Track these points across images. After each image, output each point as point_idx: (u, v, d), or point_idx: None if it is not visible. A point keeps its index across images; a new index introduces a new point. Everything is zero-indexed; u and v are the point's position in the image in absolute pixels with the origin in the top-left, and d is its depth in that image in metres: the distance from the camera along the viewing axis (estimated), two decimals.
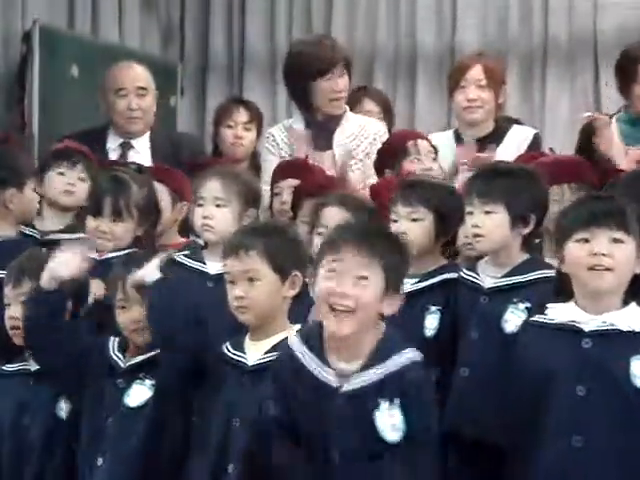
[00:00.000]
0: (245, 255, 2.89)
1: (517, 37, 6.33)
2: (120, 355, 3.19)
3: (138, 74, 4.52)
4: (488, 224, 3.05)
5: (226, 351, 2.96)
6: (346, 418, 2.60)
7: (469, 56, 4.39)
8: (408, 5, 6.53)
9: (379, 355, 2.64)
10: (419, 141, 3.94)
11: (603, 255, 2.70)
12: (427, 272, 3.19)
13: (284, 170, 3.99)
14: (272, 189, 3.94)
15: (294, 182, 3.84)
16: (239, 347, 2.94)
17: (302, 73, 4.29)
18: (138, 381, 3.14)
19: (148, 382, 3.14)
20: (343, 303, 2.61)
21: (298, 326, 2.91)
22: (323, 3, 6.69)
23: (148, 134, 4.50)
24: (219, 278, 3.19)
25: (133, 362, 3.17)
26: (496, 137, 4.17)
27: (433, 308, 3.13)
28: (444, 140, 4.28)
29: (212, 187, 3.44)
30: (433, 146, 3.97)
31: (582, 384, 2.69)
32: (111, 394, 3.14)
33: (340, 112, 4.34)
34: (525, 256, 3.10)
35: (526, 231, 3.08)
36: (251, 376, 2.86)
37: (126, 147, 4.47)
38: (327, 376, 2.65)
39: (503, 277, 3.07)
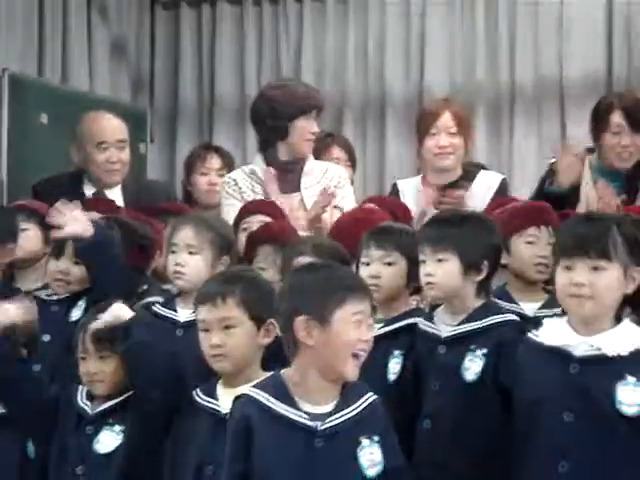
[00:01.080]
0: (222, 303, 2.89)
1: (484, 82, 6.40)
2: (88, 402, 3.18)
3: (118, 127, 4.54)
4: (439, 272, 3.05)
5: (198, 398, 2.94)
6: (325, 459, 2.61)
7: (437, 103, 4.40)
8: (376, 51, 6.59)
9: (349, 396, 2.68)
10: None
11: (582, 284, 2.73)
12: (394, 316, 3.20)
13: (255, 207, 4.00)
14: (238, 226, 3.92)
15: (264, 218, 3.85)
16: (211, 394, 2.93)
17: (287, 109, 4.31)
18: (107, 427, 3.13)
19: (118, 428, 3.13)
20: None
21: (270, 374, 2.87)
22: (292, 49, 6.75)
23: (119, 185, 4.51)
24: (189, 326, 3.20)
25: (101, 409, 3.16)
26: (464, 183, 4.20)
27: (396, 352, 3.13)
28: (411, 186, 4.30)
29: (185, 234, 3.44)
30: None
31: (569, 410, 2.71)
32: (80, 442, 3.13)
33: (309, 152, 4.36)
34: (480, 302, 3.09)
35: (479, 278, 3.08)
36: (225, 423, 2.82)
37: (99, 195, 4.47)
38: (302, 419, 2.64)
39: (459, 325, 3.07)
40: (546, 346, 2.78)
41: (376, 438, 2.64)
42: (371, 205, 3.90)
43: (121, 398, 3.15)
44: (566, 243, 2.79)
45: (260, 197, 4.27)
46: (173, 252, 3.44)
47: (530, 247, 3.41)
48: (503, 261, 3.35)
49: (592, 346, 2.73)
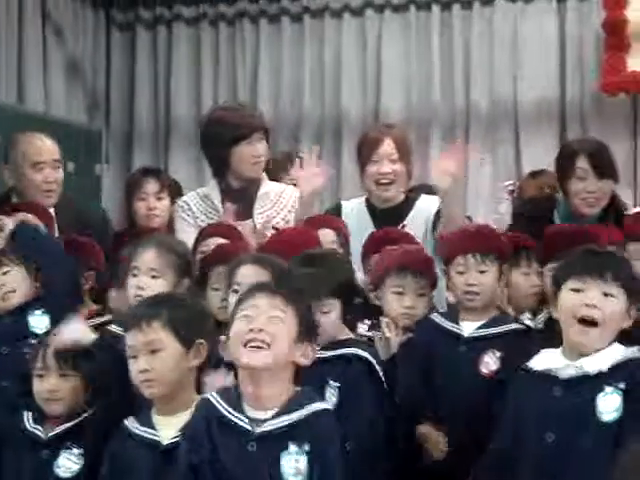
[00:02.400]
0: (147, 326, 2.83)
1: (440, 105, 6.45)
2: (38, 427, 3.13)
3: (52, 147, 4.47)
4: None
5: (132, 428, 2.86)
6: (257, 461, 2.62)
7: (378, 129, 4.36)
8: (333, 73, 6.63)
9: (292, 405, 2.67)
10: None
11: (594, 306, 2.75)
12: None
13: (213, 230, 3.99)
14: (195, 250, 3.91)
15: (221, 240, 3.84)
16: (147, 424, 2.85)
17: (223, 137, 4.31)
18: (65, 451, 3.08)
19: (76, 451, 3.08)
20: (258, 337, 2.63)
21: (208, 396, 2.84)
22: (249, 70, 6.76)
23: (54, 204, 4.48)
24: None
25: (57, 432, 3.11)
26: (405, 207, 4.21)
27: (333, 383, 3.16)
28: (355, 207, 4.31)
29: (147, 258, 3.42)
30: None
31: (551, 431, 2.74)
32: (36, 467, 3.07)
33: (258, 176, 4.35)
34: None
35: None
36: (165, 455, 2.78)
37: None
38: (242, 422, 2.65)
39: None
40: (535, 371, 2.83)
41: (306, 447, 2.62)
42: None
43: (78, 420, 3.11)
44: (576, 267, 2.81)
45: (214, 221, 4.26)
46: (135, 275, 3.43)
47: (460, 276, 3.39)
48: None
49: (577, 367, 2.77)
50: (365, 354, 3.17)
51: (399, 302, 3.46)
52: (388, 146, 4.15)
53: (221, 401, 2.68)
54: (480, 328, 3.35)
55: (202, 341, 2.85)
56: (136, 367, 2.83)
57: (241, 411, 2.66)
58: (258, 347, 2.62)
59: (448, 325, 3.38)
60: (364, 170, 4.20)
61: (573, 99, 6.20)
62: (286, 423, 2.64)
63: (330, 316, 3.15)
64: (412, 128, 6.38)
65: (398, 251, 3.60)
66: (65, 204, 4.49)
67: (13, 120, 5.69)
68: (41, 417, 3.15)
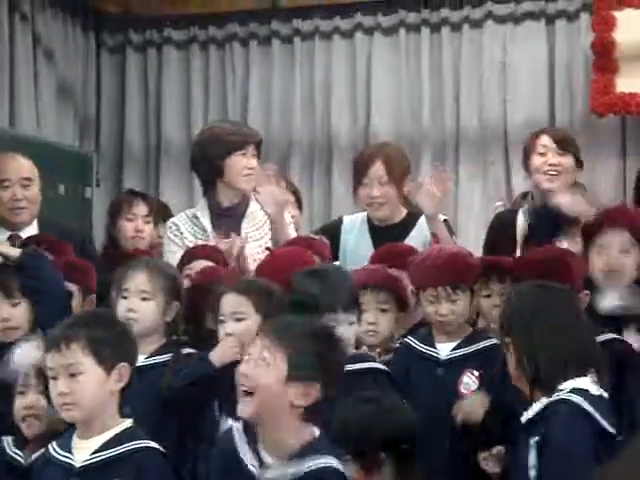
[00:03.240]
0: (66, 348, 2.75)
1: (430, 127, 6.46)
2: (18, 451, 3.10)
3: (22, 165, 4.46)
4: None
5: (52, 452, 2.81)
6: None
7: (370, 151, 4.35)
8: (323, 95, 6.64)
9: (299, 454, 2.61)
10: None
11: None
12: None
13: (197, 252, 3.98)
14: (181, 272, 3.90)
15: (206, 263, 3.84)
16: (66, 447, 2.79)
17: (219, 147, 4.32)
18: None
19: None
20: (245, 384, 2.62)
21: (129, 421, 2.81)
22: (239, 93, 6.78)
23: (35, 224, 4.43)
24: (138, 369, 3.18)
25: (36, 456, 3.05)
26: (406, 225, 4.21)
27: None
28: (357, 223, 4.32)
29: (138, 280, 3.42)
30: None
31: None
32: None
33: (250, 189, 4.35)
34: None
35: None
36: (79, 478, 2.72)
37: (15, 239, 4.31)
38: (252, 466, 2.62)
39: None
40: None
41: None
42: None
43: None
44: None
45: (202, 242, 4.25)
46: (124, 297, 3.42)
47: (431, 305, 3.40)
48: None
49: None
50: (383, 367, 3.24)
51: (363, 320, 3.42)
52: (379, 168, 4.15)
53: (242, 439, 2.66)
54: (455, 349, 3.37)
55: (124, 364, 2.79)
56: (55, 390, 2.77)
57: (256, 452, 2.63)
58: (247, 392, 2.60)
59: (424, 348, 3.39)
60: (356, 192, 4.22)
61: (563, 120, 6.22)
62: (289, 475, 2.59)
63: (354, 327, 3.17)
64: None
65: (362, 271, 3.62)
66: (50, 224, 4.48)
67: (4, 143, 5.69)
68: (21, 441, 3.11)
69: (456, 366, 3.33)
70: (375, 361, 3.32)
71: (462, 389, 3.27)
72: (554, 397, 2.69)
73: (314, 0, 6.62)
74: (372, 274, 3.58)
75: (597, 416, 2.65)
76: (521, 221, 4.16)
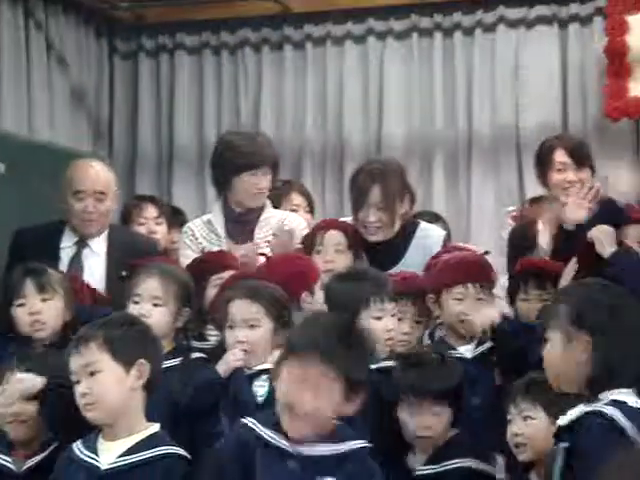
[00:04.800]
0: (84, 348, 2.77)
1: (442, 132, 6.45)
2: (8, 458, 3.09)
3: (98, 177, 4.37)
4: None
5: (77, 452, 2.80)
6: None
7: (369, 174, 4.18)
8: (335, 100, 6.64)
9: (335, 436, 2.59)
10: (326, 233, 3.98)
11: None
12: None
13: (221, 261, 3.94)
14: (205, 280, 3.89)
15: (232, 272, 3.81)
16: (91, 448, 2.78)
17: (230, 163, 4.33)
18: None
19: None
20: (299, 409, 2.55)
21: (157, 425, 2.81)
22: (251, 98, 6.78)
23: (105, 235, 4.40)
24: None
25: (30, 464, 3.06)
26: (401, 243, 4.19)
27: None
28: None
29: (150, 285, 3.42)
30: (349, 237, 3.99)
31: None
32: None
33: (258, 206, 4.35)
34: None
35: None
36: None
37: (81, 245, 4.36)
38: (282, 442, 2.58)
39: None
40: None
41: None
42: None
43: (48, 452, 3.06)
44: None
45: (216, 247, 4.25)
46: (136, 302, 3.42)
47: (457, 304, 3.43)
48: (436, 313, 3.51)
49: None
50: None
51: (398, 329, 3.45)
52: (375, 195, 4.11)
53: (260, 426, 2.61)
54: (478, 346, 3.45)
55: (143, 361, 2.79)
56: (78, 391, 2.78)
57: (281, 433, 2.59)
58: (299, 415, 2.55)
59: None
60: (355, 215, 4.17)
61: (576, 124, 6.21)
62: (331, 452, 2.57)
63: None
64: (415, 155, 6.41)
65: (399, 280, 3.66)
66: (119, 231, 4.48)
67: (19, 149, 5.71)
68: (7, 446, 3.10)
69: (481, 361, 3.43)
70: None
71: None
72: (591, 407, 2.62)
73: (326, 5, 6.62)
74: (409, 283, 3.59)
75: (631, 431, 2.57)
76: (543, 230, 4.17)
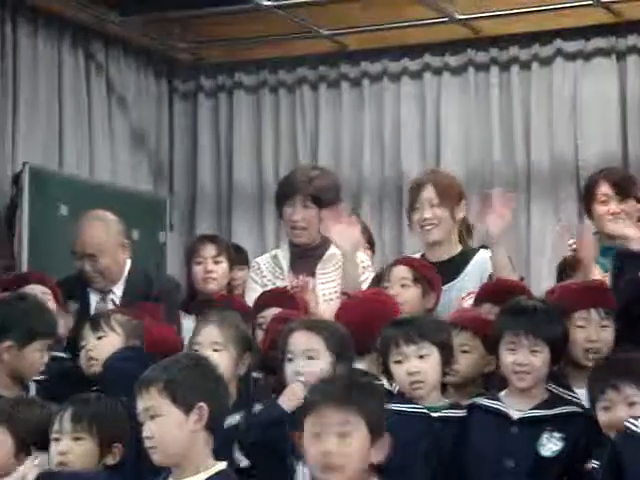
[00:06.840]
0: (146, 392, 2.81)
1: (500, 164, 6.44)
2: None
3: (90, 239, 4.50)
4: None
5: None
6: None
7: (421, 176, 4.36)
8: (393, 136, 6.66)
9: None
10: (394, 268, 3.99)
11: None
12: None
13: (266, 299, 3.99)
14: (255, 320, 3.91)
15: (277, 310, 3.83)
16: None
17: (276, 195, 4.42)
18: None
19: None
20: (330, 461, 2.59)
21: (224, 463, 2.83)
22: (309, 137, 6.82)
23: (123, 282, 4.55)
24: None
25: None
26: (462, 260, 4.19)
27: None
28: None
29: (209, 332, 3.45)
30: (415, 272, 3.99)
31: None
32: None
33: (299, 242, 4.36)
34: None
35: None
36: None
37: (106, 293, 4.55)
38: None
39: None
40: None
41: None
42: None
43: None
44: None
45: (279, 281, 4.28)
46: (196, 350, 3.43)
47: (580, 331, 3.33)
48: None
49: None
50: None
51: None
52: (429, 191, 4.12)
53: None
54: None
55: (203, 404, 2.80)
56: (143, 434, 2.82)
57: None
58: (332, 468, 2.59)
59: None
60: (410, 219, 4.20)
61: (636, 155, 6.16)
62: None
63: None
64: (473, 189, 6.36)
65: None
66: (137, 272, 4.57)
67: (81, 191, 5.80)
68: None
69: None
70: None
71: None
72: None
73: (382, 42, 6.65)
74: (460, 315, 3.58)
75: None
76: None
